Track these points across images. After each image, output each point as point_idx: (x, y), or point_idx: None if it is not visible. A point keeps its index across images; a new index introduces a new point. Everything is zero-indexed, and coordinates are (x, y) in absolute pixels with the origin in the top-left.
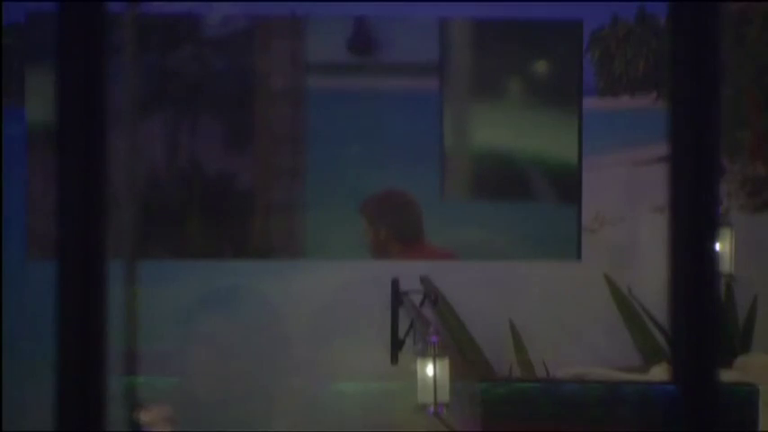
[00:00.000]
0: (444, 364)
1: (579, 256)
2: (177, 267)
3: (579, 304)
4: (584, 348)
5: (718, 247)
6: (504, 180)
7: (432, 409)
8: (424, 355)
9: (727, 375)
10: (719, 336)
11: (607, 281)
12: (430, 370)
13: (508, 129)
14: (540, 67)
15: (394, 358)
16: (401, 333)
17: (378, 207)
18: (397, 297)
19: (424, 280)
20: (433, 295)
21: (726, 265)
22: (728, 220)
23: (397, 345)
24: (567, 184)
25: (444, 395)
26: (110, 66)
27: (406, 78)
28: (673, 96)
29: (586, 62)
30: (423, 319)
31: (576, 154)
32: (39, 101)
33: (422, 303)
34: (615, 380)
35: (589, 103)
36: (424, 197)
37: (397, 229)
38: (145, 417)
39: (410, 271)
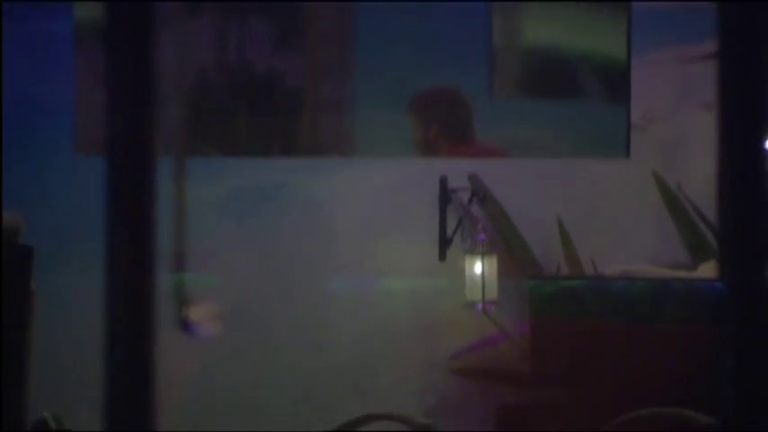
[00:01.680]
0: (492, 261)
1: (628, 154)
2: (226, 164)
3: (628, 202)
4: (632, 246)
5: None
6: (553, 78)
7: (480, 306)
8: (472, 252)
9: None
10: None
11: (656, 178)
12: (478, 267)
13: (558, 26)
14: None
15: (442, 256)
16: (449, 231)
17: (427, 104)
18: (445, 195)
19: (472, 178)
20: (481, 193)
21: None
22: None
23: (445, 242)
24: (616, 82)
25: (492, 292)
26: None
27: None
28: None
29: None
30: (471, 217)
31: (625, 51)
32: None
33: (470, 201)
34: (663, 277)
35: None
36: (473, 96)
37: (446, 126)
38: (193, 314)
39: (458, 169)
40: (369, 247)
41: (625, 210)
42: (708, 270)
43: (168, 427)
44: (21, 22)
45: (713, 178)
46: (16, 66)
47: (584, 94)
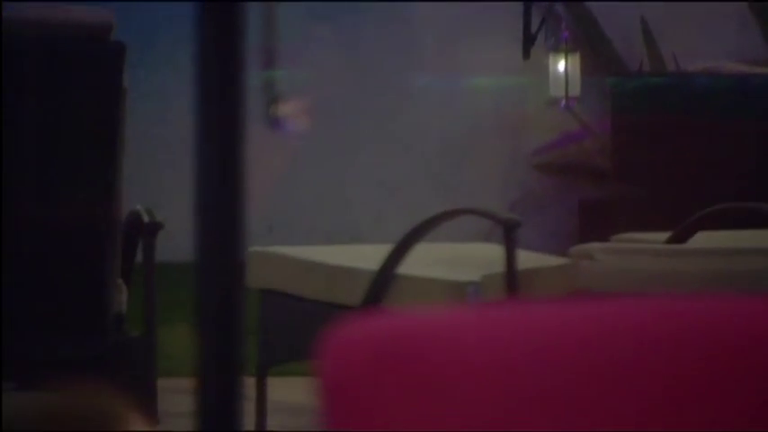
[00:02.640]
0: (575, 58)
1: None
2: None
3: None
4: (714, 42)
5: None
6: None
7: (563, 102)
8: (555, 50)
9: None
10: None
11: None
12: (561, 65)
13: None
14: None
15: (526, 54)
16: (533, 29)
17: None
18: None
19: None
20: None
21: None
22: None
23: (529, 40)
24: None
25: (575, 89)
26: None
27: None
28: None
29: None
30: (554, 15)
31: None
32: None
33: None
34: (745, 73)
35: None
36: None
37: None
38: (282, 110)
39: None
40: (454, 46)
41: (708, 7)
42: None
43: (257, 219)
44: None
45: None
46: None
47: None
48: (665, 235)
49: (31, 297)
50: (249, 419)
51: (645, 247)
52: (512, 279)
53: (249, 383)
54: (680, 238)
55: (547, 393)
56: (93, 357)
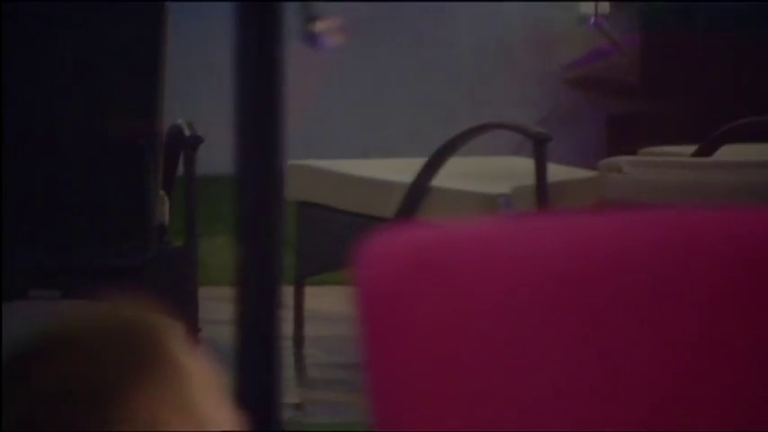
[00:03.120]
0: None
1: None
2: None
3: None
4: None
5: None
6: None
7: (592, 19)
8: None
9: None
10: None
11: None
12: None
13: None
14: None
15: None
16: None
17: None
18: None
19: None
20: None
21: None
22: None
23: None
24: None
25: (605, 7)
26: None
27: None
28: None
29: None
30: None
31: None
32: None
33: None
34: None
35: None
36: None
37: None
38: (320, 26)
39: None
40: None
41: None
42: None
43: (294, 134)
44: None
45: None
46: None
47: None
48: (691, 148)
49: (77, 208)
50: (287, 327)
51: (671, 160)
52: (542, 191)
53: (287, 292)
54: (706, 151)
55: (577, 301)
56: (137, 267)
